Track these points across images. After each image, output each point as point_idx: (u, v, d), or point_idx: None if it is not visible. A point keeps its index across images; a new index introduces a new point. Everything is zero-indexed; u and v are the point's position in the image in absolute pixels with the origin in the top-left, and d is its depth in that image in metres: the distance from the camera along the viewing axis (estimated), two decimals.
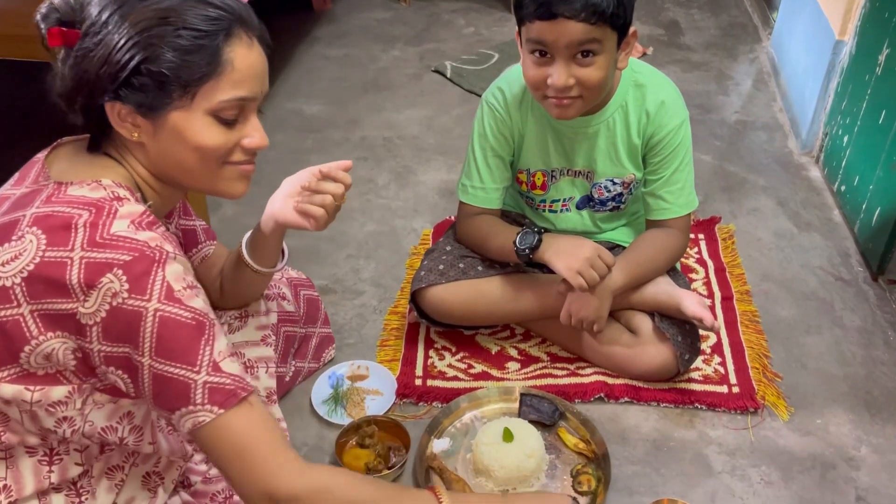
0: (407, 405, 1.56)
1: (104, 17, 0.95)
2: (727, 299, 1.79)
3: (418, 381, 1.60)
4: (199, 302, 0.97)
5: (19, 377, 0.98)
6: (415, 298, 1.62)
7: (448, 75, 2.78)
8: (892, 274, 1.87)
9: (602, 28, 1.31)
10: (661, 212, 1.56)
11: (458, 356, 1.66)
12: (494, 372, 1.62)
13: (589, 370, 1.61)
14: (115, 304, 0.92)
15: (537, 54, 1.37)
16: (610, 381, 1.58)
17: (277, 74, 2.78)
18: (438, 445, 1.45)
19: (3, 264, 0.94)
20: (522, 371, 1.62)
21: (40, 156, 1.09)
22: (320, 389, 1.56)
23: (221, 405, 0.96)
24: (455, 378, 1.61)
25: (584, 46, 1.32)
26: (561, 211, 1.65)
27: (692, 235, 1.97)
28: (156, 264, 0.94)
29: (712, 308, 1.76)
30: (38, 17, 0.97)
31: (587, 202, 1.63)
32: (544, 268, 1.54)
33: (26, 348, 0.96)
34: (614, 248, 1.66)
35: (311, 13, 3.27)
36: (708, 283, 1.85)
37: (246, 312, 1.43)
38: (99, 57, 0.95)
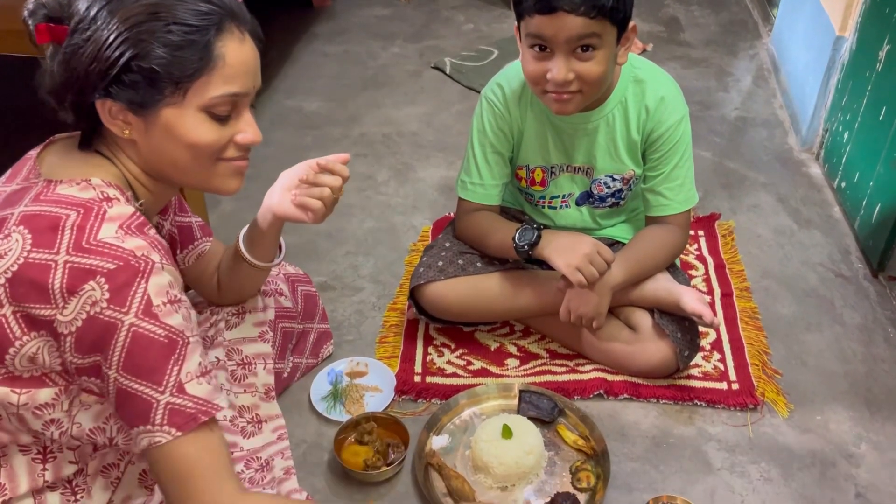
0: (406, 402, 1.56)
1: (92, 12, 0.94)
2: (727, 296, 1.79)
3: (417, 378, 1.59)
4: (178, 318, 0.96)
5: (5, 379, 0.97)
6: (414, 295, 1.61)
7: (447, 72, 2.78)
8: (893, 271, 1.87)
9: (601, 22, 1.30)
10: (660, 208, 1.56)
11: (458, 353, 1.66)
12: (493, 368, 1.62)
13: (588, 367, 1.61)
14: (92, 312, 0.91)
15: (537, 49, 1.36)
16: (609, 377, 1.58)
17: (276, 71, 2.77)
18: (437, 442, 1.45)
19: None
20: (521, 368, 1.62)
21: (33, 153, 1.08)
22: (319, 386, 1.56)
23: (179, 428, 0.96)
24: (454, 375, 1.61)
25: (584, 41, 1.32)
26: (560, 207, 1.65)
27: (692, 232, 1.97)
28: (139, 275, 0.93)
29: (712, 305, 1.75)
30: (26, 13, 0.96)
31: (586, 198, 1.63)
32: (543, 264, 1.54)
33: (11, 350, 0.95)
34: (614, 244, 1.65)
35: (310, 10, 3.26)
36: (708, 280, 1.84)
37: (243, 309, 1.43)
38: (88, 54, 0.94)
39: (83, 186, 0.98)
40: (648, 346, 1.54)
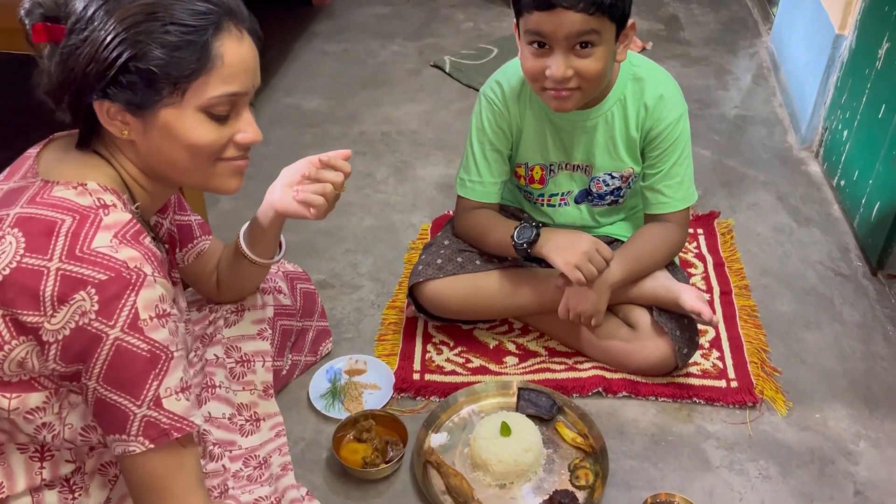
0: (405, 399, 1.56)
1: (89, 12, 0.93)
2: (726, 294, 1.79)
3: (416, 376, 1.59)
4: (164, 333, 0.96)
5: None
6: (413, 293, 1.61)
7: (447, 70, 2.78)
8: (892, 269, 1.87)
9: (600, 19, 1.30)
10: (659, 206, 1.56)
11: (456, 351, 1.66)
12: (492, 366, 1.62)
13: (587, 365, 1.61)
14: (81, 322, 0.91)
15: (535, 45, 1.36)
16: (608, 375, 1.58)
17: (276, 69, 2.77)
18: (436, 440, 1.45)
19: None
20: (520, 365, 1.62)
21: (32, 151, 1.08)
22: (318, 384, 1.56)
23: (152, 441, 0.97)
24: (453, 372, 1.61)
25: (583, 37, 1.32)
26: (559, 205, 1.64)
27: (691, 230, 1.97)
28: (130, 288, 0.92)
29: (711, 303, 1.75)
30: (22, 12, 0.95)
31: (585, 196, 1.63)
32: (542, 262, 1.53)
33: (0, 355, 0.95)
34: (613, 242, 1.65)
35: (309, 8, 3.26)
36: (707, 278, 1.84)
37: (242, 306, 1.42)
38: (85, 55, 0.93)
39: (80, 191, 0.97)
40: (647, 343, 1.54)
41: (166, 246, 1.24)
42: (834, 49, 2.18)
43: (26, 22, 0.95)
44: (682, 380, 1.57)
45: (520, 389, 1.52)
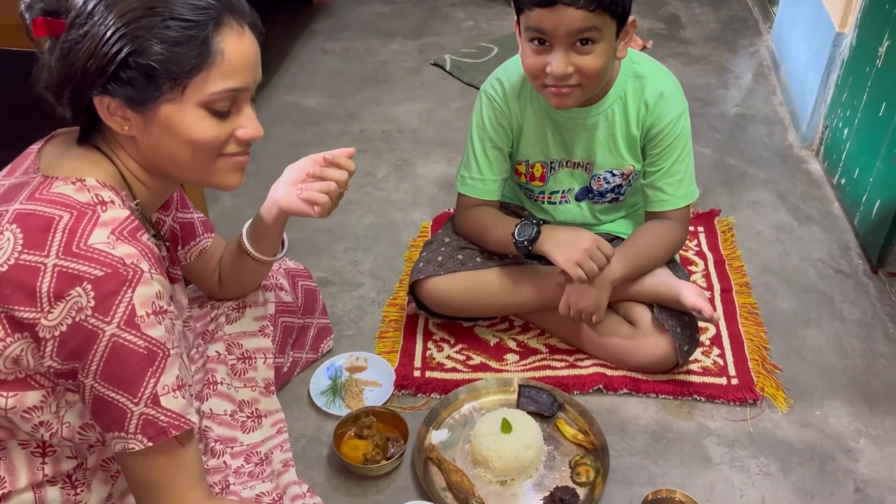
0: (405, 396, 1.56)
1: (89, 7, 0.93)
2: (726, 291, 1.79)
3: (417, 373, 1.59)
4: (160, 330, 0.95)
5: None
6: (413, 290, 1.61)
7: (447, 69, 2.78)
8: (892, 266, 1.87)
9: (601, 15, 1.30)
10: (660, 203, 1.56)
11: (457, 348, 1.66)
12: (493, 363, 1.62)
13: (588, 362, 1.61)
14: (78, 319, 0.91)
15: (536, 42, 1.36)
16: (609, 372, 1.58)
17: (276, 67, 2.77)
18: (437, 436, 1.45)
19: None
20: (521, 363, 1.62)
21: (34, 147, 1.08)
22: (319, 381, 1.56)
23: (151, 439, 0.97)
24: (453, 370, 1.61)
25: (584, 34, 1.32)
26: (560, 202, 1.64)
27: (691, 228, 1.97)
28: (126, 284, 0.92)
29: (711, 300, 1.75)
30: (23, 6, 0.95)
31: (586, 194, 1.63)
32: (543, 259, 1.54)
33: None
34: (613, 239, 1.65)
35: (310, 6, 3.26)
36: (707, 276, 1.84)
37: (244, 303, 1.43)
38: (85, 50, 0.93)
39: (78, 187, 0.97)
40: (648, 340, 1.54)
41: (168, 243, 1.24)
42: (834, 47, 2.18)
43: (27, 16, 0.95)
44: (682, 377, 1.57)
45: (520, 386, 1.52)
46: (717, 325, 1.69)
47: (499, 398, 1.53)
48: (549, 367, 1.61)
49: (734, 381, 1.57)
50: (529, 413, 1.46)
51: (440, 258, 1.61)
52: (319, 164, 1.24)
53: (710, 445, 1.46)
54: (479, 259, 1.61)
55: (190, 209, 1.36)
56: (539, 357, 1.63)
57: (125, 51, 0.93)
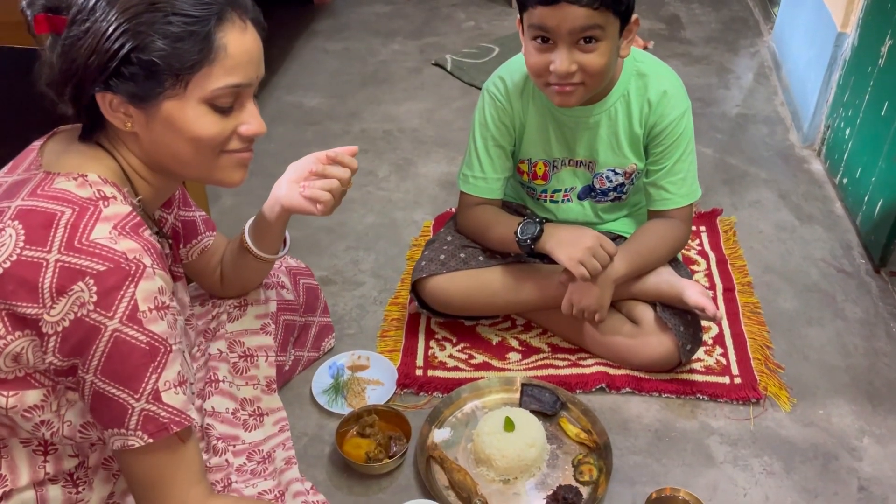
0: (408, 395, 1.56)
1: (91, 2, 0.93)
2: (729, 291, 1.78)
3: (419, 372, 1.59)
4: (162, 326, 0.95)
5: None
6: (415, 288, 1.61)
7: (448, 69, 2.78)
8: (894, 266, 1.87)
9: (604, 13, 1.30)
10: (663, 202, 1.56)
11: (459, 347, 1.65)
12: (495, 362, 1.62)
13: (590, 361, 1.60)
14: (80, 314, 0.91)
15: (539, 40, 1.36)
16: (611, 371, 1.58)
17: (277, 67, 2.77)
18: (439, 435, 1.45)
19: None
20: (523, 362, 1.62)
21: (37, 143, 1.07)
22: (321, 379, 1.55)
23: (151, 435, 0.96)
24: (456, 368, 1.60)
25: (587, 32, 1.31)
26: (562, 201, 1.64)
27: (693, 227, 1.96)
28: (129, 279, 0.92)
29: (714, 299, 1.75)
30: (24, 3, 0.95)
31: (589, 192, 1.62)
32: (545, 258, 1.53)
33: None
34: (616, 238, 1.65)
35: (310, 7, 3.27)
36: (710, 275, 1.84)
37: (245, 301, 1.42)
38: (87, 46, 0.92)
39: (80, 183, 0.97)
40: (651, 339, 1.54)
41: (170, 241, 1.24)
42: (836, 47, 2.18)
43: (28, 13, 0.95)
44: (685, 376, 1.57)
45: (523, 385, 1.52)
46: (719, 325, 1.69)
47: (501, 397, 1.53)
48: (551, 365, 1.60)
49: (737, 380, 1.56)
50: (532, 412, 1.46)
51: (442, 257, 1.60)
52: (322, 161, 1.24)
53: (714, 444, 1.46)
54: (481, 258, 1.61)
55: (192, 207, 1.35)
56: (541, 356, 1.63)
57: (127, 47, 0.92)
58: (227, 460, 1.30)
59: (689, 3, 3.29)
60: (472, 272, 1.59)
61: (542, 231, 1.47)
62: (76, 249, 0.91)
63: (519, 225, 1.50)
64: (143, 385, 0.94)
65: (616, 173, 1.58)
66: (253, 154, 1.09)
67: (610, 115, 1.52)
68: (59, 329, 0.92)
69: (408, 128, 2.45)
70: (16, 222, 0.93)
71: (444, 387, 1.55)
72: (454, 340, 1.67)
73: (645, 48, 2.88)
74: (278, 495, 1.28)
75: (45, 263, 0.91)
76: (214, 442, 1.30)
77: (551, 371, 1.59)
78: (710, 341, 1.65)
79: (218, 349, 1.38)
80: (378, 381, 1.56)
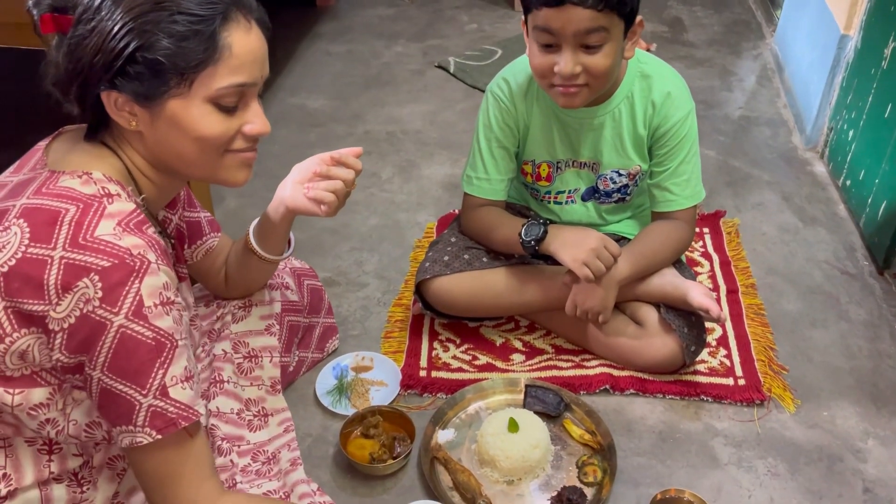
0: (411, 396, 1.56)
1: (97, 2, 0.93)
2: (732, 292, 1.78)
3: (423, 373, 1.59)
4: (168, 321, 0.95)
5: None
6: (419, 289, 1.61)
7: (451, 71, 2.78)
8: None
9: (609, 15, 1.30)
10: (667, 203, 1.56)
11: (463, 348, 1.65)
12: (499, 364, 1.62)
13: (594, 362, 1.60)
14: (85, 310, 0.91)
15: (544, 42, 1.36)
16: (615, 373, 1.57)
17: (280, 69, 2.78)
18: (443, 436, 1.45)
19: None
20: (527, 363, 1.62)
21: (42, 143, 1.08)
22: (324, 380, 1.55)
23: (160, 431, 0.96)
24: (459, 369, 1.60)
25: (591, 34, 1.31)
26: (566, 202, 1.64)
27: (697, 229, 1.96)
28: (134, 275, 0.92)
29: (717, 301, 1.74)
30: (30, 3, 0.95)
31: (592, 194, 1.63)
32: (549, 259, 1.53)
33: (1, 347, 0.94)
34: (620, 240, 1.65)
35: (313, 9, 3.27)
36: (713, 277, 1.84)
37: (250, 302, 1.42)
38: (93, 45, 0.93)
39: (85, 180, 0.97)
40: (655, 340, 1.53)
41: (173, 241, 1.24)
42: (839, 49, 2.18)
43: (34, 13, 0.95)
44: (689, 377, 1.57)
45: (527, 386, 1.52)
46: (723, 326, 1.68)
47: (505, 398, 1.53)
48: (555, 367, 1.60)
49: (741, 382, 1.56)
50: (536, 413, 1.45)
51: (446, 258, 1.61)
52: (326, 162, 1.24)
53: (718, 446, 1.46)
54: (485, 259, 1.61)
55: (197, 208, 1.36)
56: (545, 357, 1.63)
57: (132, 45, 0.93)
58: (231, 461, 1.30)
59: (691, 6, 3.29)
60: (475, 273, 1.59)
61: (546, 232, 1.47)
62: (81, 246, 0.92)
63: (523, 226, 1.50)
64: (150, 381, 0.94)
65: (620, 175, 1.58)
66: (257, 154, 1.09)
67: (614, 116, 1.52)
68: (66, 326, 0.92)
69: (411, 130, 2.46)
70: (21, 220, 0.94)
71: (447, 388, 1.55)
72: (458, 341, 1.67)
73: (648, 51, 2.88)
74: (283, 496, 1.28)
75: (49, 260, 0.91)
76: (219, 442, 1.30)
77: (555, 372, 1.59)
78: (714, 343, 1.65)
79: (223, 350, 1.38)
80: (382, 382, 1.56)
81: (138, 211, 0.99)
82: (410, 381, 1.56)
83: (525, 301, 1.60)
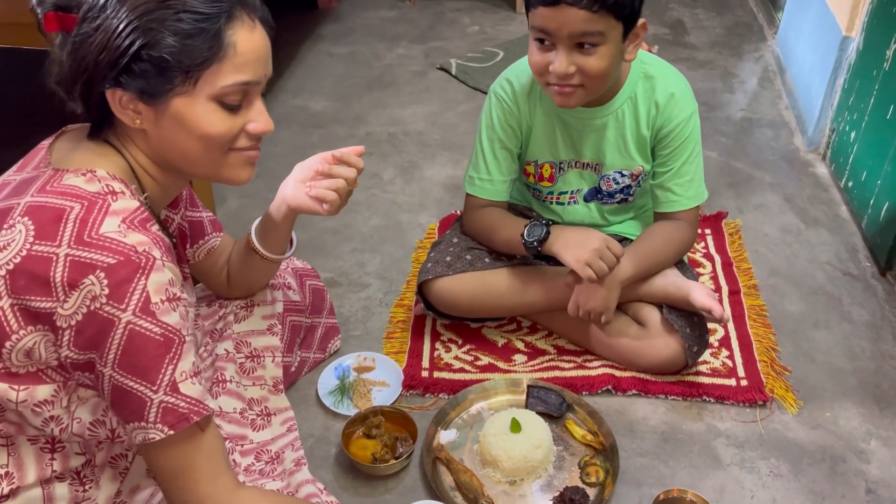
0: (413, 396, 1.56)
1: (101, 0, 0.93)
2: (734, 293, 1.78)
3: (425, 373, 1.59)
4: (175, 317, 0.95)
5: (3, 375, 0.97)
6: (422, 290, 1.61)
7: (453, 73, 2.78)
8: None
9: (604, 17, 1.29)
10: (669, 204, 1.56)
11: (465, 348, 1.65)
12: (501, 364, 1.61)
13: (596, 363, 1.60)
14: (93, 307, 0.91)
15: (540, 41, 1.36)
16: (617, 373, 1.57)
17: (282, 71, 2.78)
18: (445, 436, 1.45)
19: None
20: (529, 363, 1.62)
21: (45, 142, 1.08)
22: (326, 381, 1.55)
23: (172, 427, 0.96)
24: (461, 370, 1.60)
25: (586, 37, 1.31)
26: (568, 203, 1.64)
27: (699, 230, 1.96)
28: (139, 271, 0.92)
29: (719, 302, 1.74)
30: (34, 1, 0.95)
31: (595, 194, 1.63)
32: (551, 260, 1.53)
33: (7, 344, 0.94)
34: (622, 241, 1.65)
35: (316, 11, 3.28)
36: (715, 278, 1.84)
37: (252, 302, 1.42)
38: (98, 43, 0.93)
39: (89, 178, 0.97)
40: (657, 341, 1.53)
41: (175, 240, 1.24)
42: (841, 51, 2.18)
43: (38, 11, 0.95)
44: (691, 378, 1.57)
45: (529, 387, 1.51)
46: (725, 327, 1.68)
47: (507, 398, 1.52)
48: (557, 367, 1.60)
49: (743, 383, 1.56)
50: (538, 413, 1.45)
51: (448, 259, 1.60)
52: (329, 161, 1.24)
53: (720, 446, 1.45)
54: (487, 259, 1.61)
55: (199, 208, 1.36)
56: (547, 358, 1.63)
57: (138, 43, 0.93)
58: (234, 460, 1.30)
59: (693, 8, 3.29)
60: (477, 274, 1.59)
61: (548, 233, 1.47)
62: (86, 243, 0.92)
63: (525, 227, 1.50)
64: (161, 376, 0.95)
65: (623, 175, 1.58)
66: (260, 153, 1.10)
67: (617, 117, 1.52)
68: (73, 323, 0.92)
69: (413, 131, 2.46)
70: (25, 218, 0.94)
71: (449, 388, 1.55)
72: (460, 342, 1.67)
73: (650, 52, 2.89)
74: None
75: (55, 258, 0.91)
76: None
77: (557, 373, 1.59)
78: (716, 344, 1.65)
79: (225, 349, 1.38)
80: (384, 382, 1.56)
81: (142, 209, 0.99)
82: (412, 382, 1.56)
83: (527, 302, 1.60)
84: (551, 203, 1.65)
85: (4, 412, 1.00)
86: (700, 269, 1.86)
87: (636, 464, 1.42)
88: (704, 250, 1.93)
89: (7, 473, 1.03)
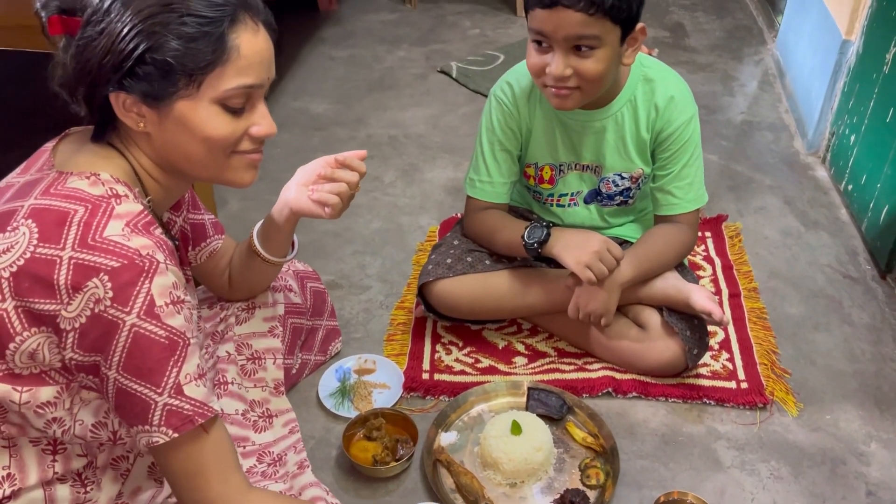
0: (414, 399, 1.56)
1: (106, 4, 0.94)
2: (735, 296, 1.78)
3: (425, 376, 1.59)
4: (180, 320, 0.96)
5: (6, 376, 0.97)
6: (422, 292, 1.61)
7: (454, 76, 2.79)
8: None
9: (601, 20, 1.30)
10: (669, 207, 1.56)
11: (465, 351, 1.65)
12: (501, 366, 1.62)
13: (596, 365, 1.60)
14: (97, 310, 0.91)
15: (537, 42, 1.36)
16: (618, 376, 1.58)
17: (283, 73, 2.79)
18: (446, 439, 1.45)
19: None
20: (529, 366, 1.62)
21: (49, 145, 1.08)
22: (327, 383, 1.56)
23: (176, 429, 0.96)
24: (462, 372, 1.60)
25: (582, 40, 1.31)
26: (568, 205, 1.65)
27: (699, 233, 1.96)
28: (143, 275, 0.92)
29: (720, 305, 1.74)
30: (39, 5, 0.96)
31: (595, 196, 1.63)
32: (552, 262, 1.53)
33: (11, 346, 0.94)
34: (622, 243, 1.65)
35: (316, 14, 3.29)
36: (715, 281, 1.84)
37: (253, 304, 1.43)
38: (102, 46, 0.93)
39: (93, 181, 0.98)
40: (657, 344, 1.54)
41: (177, 242, 1.24)
42: (841, 54, 2.19)
43: (42, 14, 0.96)
44: (691, 381, 1.57)
45: (530, 389, 1.52)
46: (725, 330, 1.69)
47: (508, 401, 1.53)
48: (557, 370, 1.61)
49: (743, 385, 1.56)
50: (539, 416, 1.46)
51: (449, 261, 1.61)
52: (331, 165, 1.25)
53: (721, 449, 1.46)
54: (488, 262, 1.61)
55: (201, 210, 1.36)
56: (548, 360, 1.63)
57: (142, 47, 0.93)
58: None
59: (693, 12, 3.30)
60: (478, 276, 1.59)
61: (548, 235, 1.48)
62: (89, 246, 0.92)
63: (526, 229, 1.50)
64: (165, 379, 0.95)
65: (623, 178, 1.59)
66: (262, 156, 1.10)
67: (617, 119, 1.53)
68: (77, 325, 0.92)
69: (413, 134, 2.46)
70: (29, 220, 0.94)
71: (450, 390, 1.55)
72: (460, 344, 1.67)
73: (649, 55, 2.89)
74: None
75: (58, 261, 0.91)
76: None
77: (558, 375, 1.59)
78: (717, 346, 1.65)
79: (226, 351, 1.38)
80: (385, 384, 1.56)
81: (146, 212, 0.99)
82: (413, 384, 1.57)
83: (528, 304, 1.61)
84: (551, 205, 1.66)
85: (7, 414, 1.00)
86: (700, 272, 1.86)
87: (636, 466, 1.42)
88: (704, 253, 1.93)
89: (9, 475, 1.03)
